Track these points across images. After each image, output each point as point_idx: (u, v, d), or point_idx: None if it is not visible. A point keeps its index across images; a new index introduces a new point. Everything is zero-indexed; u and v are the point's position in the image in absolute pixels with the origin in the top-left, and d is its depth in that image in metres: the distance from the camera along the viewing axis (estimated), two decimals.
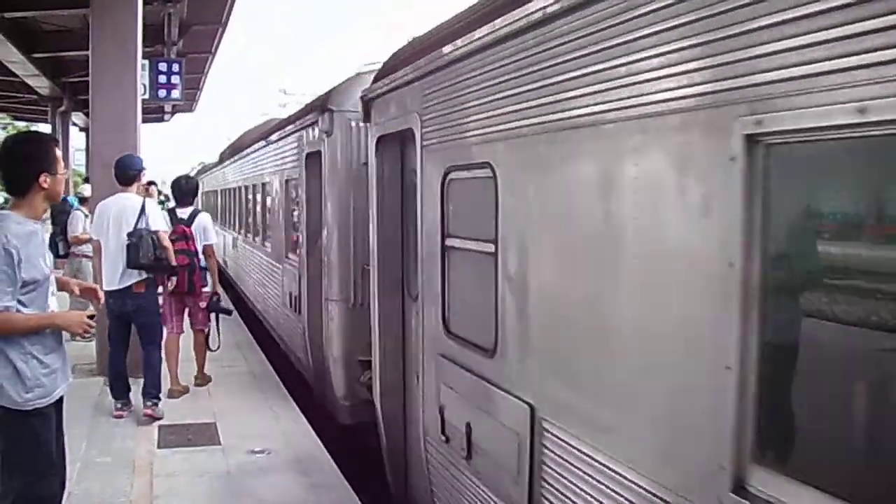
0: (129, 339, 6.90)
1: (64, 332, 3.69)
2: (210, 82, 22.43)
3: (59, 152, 3.65)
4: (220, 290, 7.83)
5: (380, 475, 5.51)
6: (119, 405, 6.94)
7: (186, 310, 7.80)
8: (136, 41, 8.42)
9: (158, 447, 6.14)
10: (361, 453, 6.03)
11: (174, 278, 7.28)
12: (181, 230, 7.48)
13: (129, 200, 6.77)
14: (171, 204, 8.57)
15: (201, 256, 7.59)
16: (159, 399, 6.92)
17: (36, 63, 15.80)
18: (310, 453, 6.11)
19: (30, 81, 18.13)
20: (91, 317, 3.65)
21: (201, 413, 7.05)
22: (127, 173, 6.89)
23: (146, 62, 12.54)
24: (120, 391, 6.95)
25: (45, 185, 3.51)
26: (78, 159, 28.96)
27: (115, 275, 6.59)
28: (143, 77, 10.28)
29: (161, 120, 27.03)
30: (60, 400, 3.69)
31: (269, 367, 9.12)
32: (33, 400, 3.43)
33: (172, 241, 7.03)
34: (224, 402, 7.44)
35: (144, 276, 6.66)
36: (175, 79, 13.84)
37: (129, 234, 6.53)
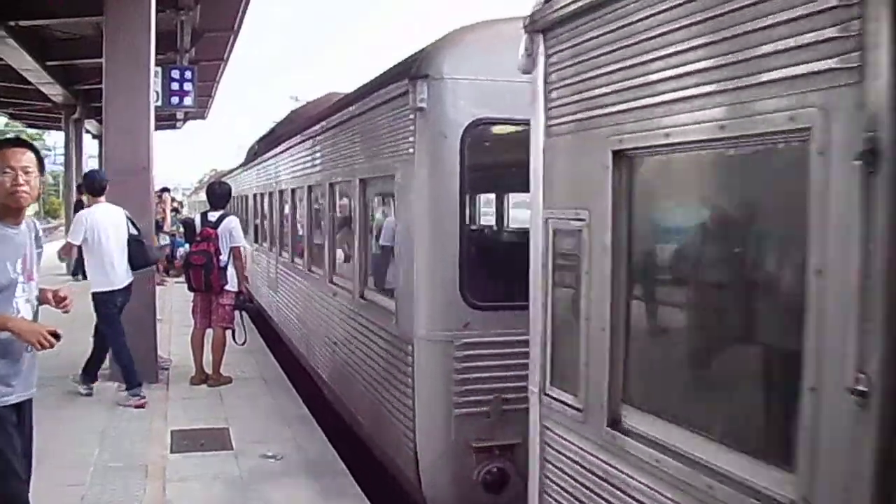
0: None
1: None
2: (221, 89, 22.52)
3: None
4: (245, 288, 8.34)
5: (391, 480, 5.50)
6: (142, 395, 7.34)
7: (212, 307, 8.15)
8: (149, 49, 8.46)
9: (171, 452, 6.15)
10: (373, 459, 6.01)
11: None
12: (206, 232, 8.03)
13: (113, 208, 7.44)
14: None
15: (223, 258, 7.96)
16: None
17: (49, 71, 15.92)
18: (322, 458, 6.11)
19: (43, 89, 18.27)
20: (54, 334, 3.36)
21: (214, 418, 7.07)
22: (103, 183, 7.56)
23: (159, 69, 12.65)
24: (138, 381, 7.37)
25: None
26: (91, 166, 29.11)
27: (121, 274, 7.30)
28: (155, 84, 10.33)
29: (174, 127, 27.18)
30: (24, 406, 3.57)
31: (281, 372, 9.13)
32: None
33: (196, 243, 8.04)
34: (236, 407, 7.45)
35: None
36: (188, 86, 13.93)
37: (129, 241, 7.32)
